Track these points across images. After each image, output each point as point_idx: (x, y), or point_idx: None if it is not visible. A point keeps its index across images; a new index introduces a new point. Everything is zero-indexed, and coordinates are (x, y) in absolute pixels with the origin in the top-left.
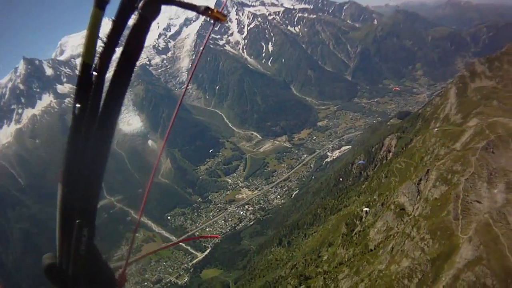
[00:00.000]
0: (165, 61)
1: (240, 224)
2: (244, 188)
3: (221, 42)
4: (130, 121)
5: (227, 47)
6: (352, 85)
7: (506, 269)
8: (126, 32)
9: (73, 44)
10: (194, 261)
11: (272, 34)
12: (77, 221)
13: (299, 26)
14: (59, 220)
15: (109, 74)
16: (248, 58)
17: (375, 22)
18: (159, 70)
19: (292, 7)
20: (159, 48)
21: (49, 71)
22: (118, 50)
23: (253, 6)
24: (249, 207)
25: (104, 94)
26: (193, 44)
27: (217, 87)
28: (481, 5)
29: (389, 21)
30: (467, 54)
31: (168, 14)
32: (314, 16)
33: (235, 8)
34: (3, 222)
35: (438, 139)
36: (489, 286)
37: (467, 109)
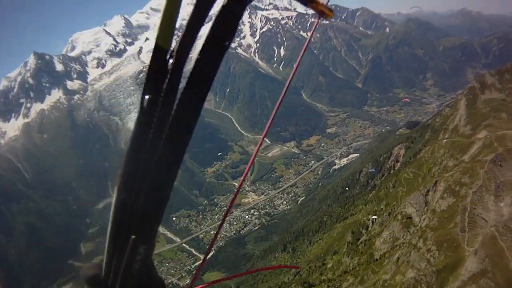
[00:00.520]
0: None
1: (245, 229)
2: (251, 193)
3: (233, 45)
4: None
5: (239, 50)
6: (362, 92)
7: (510, 283)
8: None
9: (84, 41)
10: (197, 264)
11: (284, 38)
12: (133, 236)
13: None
14: (111, 231)
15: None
16: (260, 62)
17: (387, 30)
18: None
19: (305, 11)
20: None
21: (59, 67)
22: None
23: (266, 9)
24: (254, 212)
25: (183, 85)
26: (201, 47)
27: (228, 90)
28: (492, 15)
29: (401, 29)
30: (478, 65)
31: (180, 15)
32: (327, 22)
33: (248, 11)
34: (8, 215)
35: (447, 150)
36: None
37: (476, 121)
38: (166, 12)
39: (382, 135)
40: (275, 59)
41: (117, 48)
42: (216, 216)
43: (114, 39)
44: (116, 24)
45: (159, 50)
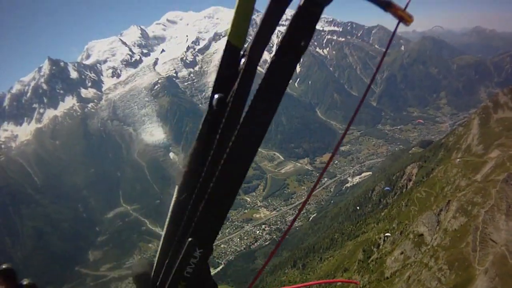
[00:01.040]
0: (192, 75)
1: (256, 243)
2: (263, 208)
3: None
4: (153, 132)
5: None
6: (376, 111)
7: None
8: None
9: (99, 50)
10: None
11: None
12: (190, 239)
13: (328, 49)
14: (167, 231)
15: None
16: None
17: (403, 48)
18: (186, 83)
19: (321, 28)
20: (187, 61)
21: (74, 74)
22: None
23: (283, 25)
24: (265, 227)
25: (255, 87)
26: None
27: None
28: (506, 33)
29: (416, 48)
30: (491, 84)
31: (197, 28)
32: (343, 39)
33: None
34: (16, 218)
35: (460, 169)
36: None
37: (488, 140)
38: (239, 9)
39: (395, 153)
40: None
41: (133, 59)
42: (227, 230)
43: (130, 49)
44: (132, 34)
45: (231, 49)
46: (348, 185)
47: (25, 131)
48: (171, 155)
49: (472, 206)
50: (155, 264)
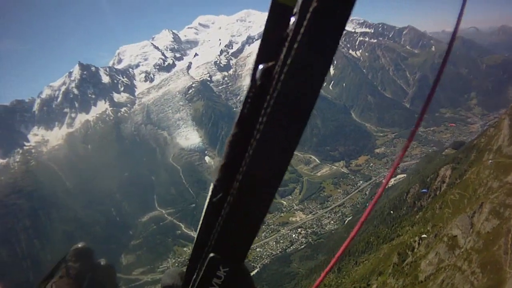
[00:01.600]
0: (226, 78)
1: (291, 247)
2: (299, 211)
3: None
4: (188, 136)
5: None
6: (410, 112)
7: None
8: None
9: (131, 54)
10: None
11: (335, 56)
12: (211, 254)
13: (360, 51)
14: (198, 238)
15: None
16: None
17: (433, 48)
18: (220, 87)
19: (353, 30)
20: (221, 65)
21: (105, 79)
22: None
23: None
24: (301, 231)
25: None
26: None
27: None
28: None
29: (446, 48)
30: None
31: (230, 31)
32: (375, 40)
33: None
34: (46, 222)
35: (492, 171)
36: None
37: None
38: None
39: (429, 155)
40: (326, 77)
41: (166, 63)
42: (263, 234)
43: (163, 54)
44: (164, 38)
45: (278, 8)
46: None
47: (56, 136)
48: (207, 159)
49: (504, 208)
50: (184, 277)
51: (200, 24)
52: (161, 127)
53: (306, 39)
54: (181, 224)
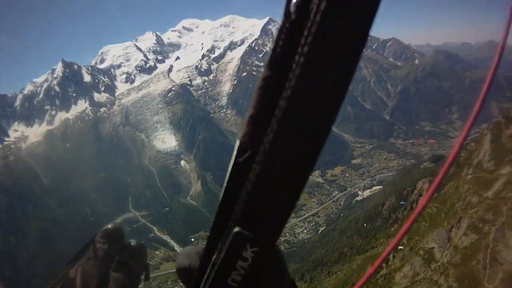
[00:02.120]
0: (206, 83)
1: None
2: None
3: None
4: (165, 139)
5: None
6: (389, 124)
7: None
8: None
9: (114, 54)
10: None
11: None
12: (237, 228)
13: None
14: (219, 210)
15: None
16: None
17: (416, 61)
18: (200, 92)
19: None
20: (202, 69)
21: (87, 78)
22: None
23: None
24: None
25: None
26: (236, 69)
27: None
28: None
29: (429, 61)
30: (502, 99)
31: (213, 36)
32: None
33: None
34: (22, 218)
35: (471, 186)
36: None
37: (500, 156)
38: None
39: (406, 168)
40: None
41: (147, 65)
42: None
43: (145, 55)
44: (147, 40)
45: None
46: (358, 198)
47: (35, 132)
48: (182, 163)
49: (484, 224)
50: (201, 257)
51: (184, 27)
52: (139, 129)
53: None
54: (154, 227)
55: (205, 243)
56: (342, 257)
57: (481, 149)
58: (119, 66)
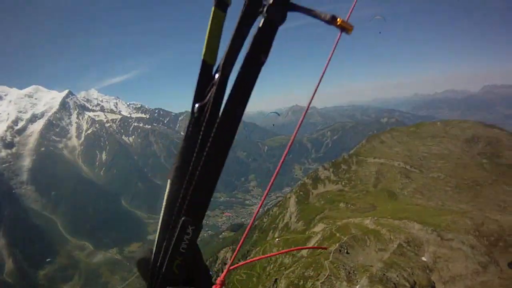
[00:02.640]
0: (9, 156)
1: None
2: None
3: (59, 146)
4: None
5: (65, 152)
6: None
7: None
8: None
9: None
10: None
11: (107, 142)
12: (183, 218)
13: (133, 136)
14: (164, 215)
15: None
16: (83, 166)
17: None
18: (3, 165)
19: (129, 115)
20: (6, 141)
21: None
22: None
23: (93, 111)
24: None
25: (227, 95)
26: (36, 143)
27: (53, 193)
28: (326, 109)
29: None
30: (307, 161)
31: (18, 106)
32: (149, 126)
33: (77, 110)
34: None
35: (281, 248)
36: None
37: (309, 216)
38: (210, 31)
39: (204, 239)
40: (97, 163)
41: None
42: None
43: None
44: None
45: (206, 65)
46: None
47: None
48: None
49: (305, 280)
50: (154, 248)
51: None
52: None
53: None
54: None
55: (156, 237)
56: None
57: (286, 212)
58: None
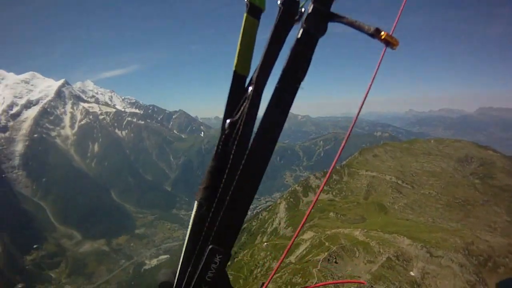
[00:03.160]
0: (2, 140)
1: None
2: (67, 286)
3: (53, 134)
4: None
5: (58, 140)
6: (171, 196)
7: None
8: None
9: None
10: None
11: (100, 134)
12: (211, 246)
13: (126, 131)
14: (189, 240)
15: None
16: (75, 156)
17: (202, 134)
18: None
19: (123, 109)
20: (0, 125)
21: None
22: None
23: (88, 102)
24: None
25: (262, 111)
26: (29, 129)
27: (44, 180)
28: (320, 118)
29: (216, 134)
30: (298, 168)
31: (14, 91)
32: (143, 122)
33: (72, 100)
34: None
35: (269, 253)
36: None
37: (298, 223)
38: (243, 41)
39: None
40: (89, 154)
41: None
42: None
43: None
44: None
45: (238, 78)
46: (146, 267)
47: None
48: None
49: (292, 286)
50: (177, 273)
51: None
52: None
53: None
54: None
55: (180, 262)
56: None
57: (275, 217)
58: None
